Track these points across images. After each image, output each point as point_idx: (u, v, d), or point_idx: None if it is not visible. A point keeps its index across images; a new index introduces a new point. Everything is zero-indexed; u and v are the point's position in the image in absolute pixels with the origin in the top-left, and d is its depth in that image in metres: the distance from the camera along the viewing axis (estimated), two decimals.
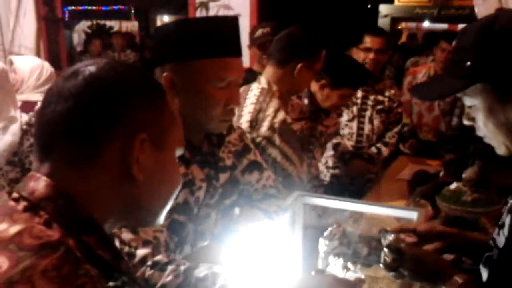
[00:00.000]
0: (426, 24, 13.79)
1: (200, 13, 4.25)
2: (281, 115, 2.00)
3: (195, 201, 1.39)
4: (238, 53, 1.36)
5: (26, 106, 2.78)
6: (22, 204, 0.73)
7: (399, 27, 14.35)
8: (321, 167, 3.14)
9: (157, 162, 0.82)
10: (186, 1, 4.43)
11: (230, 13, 4.23)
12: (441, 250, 1.44)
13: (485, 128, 1.15)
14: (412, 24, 14.57)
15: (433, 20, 13.29)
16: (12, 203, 0.74)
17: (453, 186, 2.63)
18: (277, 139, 1.83)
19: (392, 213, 1.70)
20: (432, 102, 3.83)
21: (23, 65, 2.95)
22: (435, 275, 1.27)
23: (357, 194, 3.11)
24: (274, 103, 2.00)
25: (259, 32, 3.78)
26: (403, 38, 13.13)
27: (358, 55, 3.19)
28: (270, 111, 1.96)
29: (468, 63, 1.11)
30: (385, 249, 1.28)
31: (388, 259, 1.27)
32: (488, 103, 1.12)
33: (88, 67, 0.80)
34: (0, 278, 0.64)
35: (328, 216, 2.23)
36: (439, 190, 2.64)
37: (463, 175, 2.64)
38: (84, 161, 0.76)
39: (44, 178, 0.76)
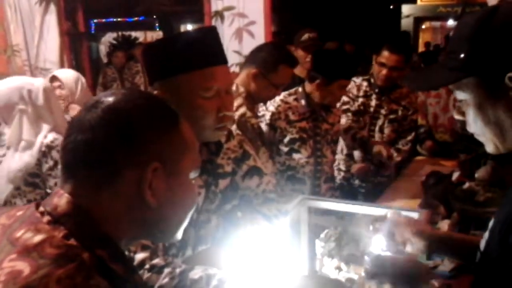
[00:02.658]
0: (451, 22, 13.59)
1: (215, 22, 4.31)
2: (241, 110, 2.26)
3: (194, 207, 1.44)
4: (220, 61, 1.40)
5: None
6: (46, 218, 0.81)
7: (423, 26, 14.20)
8: (335, 168, 3.17)
9: (170, 187, 0.88)
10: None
11: (245, 21, 4.29)
12: (428, 252, 1.43)
13: (474, 124, 1.10)
14: (436, 23, 14.39)
15: (457, 18, 13.10)
16: (38, 214, 0.82)
17: (466, 186, 2.63)
18: (234, 129, 1.89)
19: None
20: (447, 103, 3.81)
21: (68, 79, 3.07)
22: (414, 281, 1.27)
23: (370, 195, 3.13)
24: (238, 101, 2.25)
25: (306, 36, 4.00)
26: (429, 39, 13.03)
27: (375, 65, 3.22)
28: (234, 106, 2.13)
29: (462, 55, 1.06)
30: (366, 257, 1.29)
31: (368, 266, 1.28)
32: (478, 98, 1.07)
33: (107, 98, 0.86)
34: (21, 281, 0.71)
35: (339, 219, 2.26)
36: (452, 190, 2.64)
37: (476, 175, 2.64)
38: (101, 186, 0.83)
39: (66, 195, 0.83)
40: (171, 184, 0.87)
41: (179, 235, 0.96)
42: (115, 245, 0.83)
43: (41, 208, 0.83)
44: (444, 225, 2.33)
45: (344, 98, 3.31)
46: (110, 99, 0.86)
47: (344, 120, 3.24)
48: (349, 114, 3.30)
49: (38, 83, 2.42)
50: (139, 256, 1.25)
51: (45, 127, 2.42)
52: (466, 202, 2.52)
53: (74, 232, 0.79)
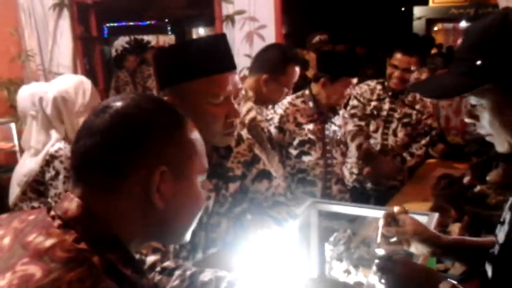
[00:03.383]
0: (463, 24, 13.50)
1: (226, 26, 4.33)
2: (251, 114, 2.27)
3: (205, 210, 1.46)
4: (228, 68, 1.41)
5: None
6: (57, 222, 0.83)
7: (435, 28, 14.12)
8: (346, 172, 3.17)
9: (177, 190, 0.90)
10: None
11: (256, 25, 4.30)
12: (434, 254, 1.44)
13: (490, 127, 1.12)
14: (449, 25, 14.29)
15: (470, 20, 13.00)
16: (49, 219, 0.83)
17: (477, 189, 2.62)
18: (244, 133, 1.90)
19: None
20: (459, 105, 3.80)
21: (68, 85, 3.04)
22: (423, 284, 1.28)
23: (382, 199, 3.12)
24: (247, 105, 2.27)
25: (317, 38, 4.03)
26: (441, 40, 12.93)
27: (388, 68, 3.23)
28: (243, 110, 2.21)
29: (479, 62, 1.07)
30: (376, 260, 1.30)
31: (378, 269, 1.28)
32: (496, 102, 1.09)
33: (115, 103, 0.89)
34: (33, 285, 0.73)
35: (350, 222, 2.27)
36: (464, 193, 2.63)
37: (487, 178, 2.63)
38: (110, 190, 0.85)
39: (76, 199, 0.85)
40: (178, 187, 0.89)
41: (187, 237, 0.97)
42: (124, 248, 0.85)
43: (52, 212, 0.85)
44: (455, 228, 2.32)
45: (354, 102, 3.32)
46: (118, 103, 0.88)
47: (350, 126, 3.24)
48: (356, 119, 3.30)
49: (51, 92, 2.44)
50: (150, 258, 1.26)
51: (54, 136, 2.44)
52: (477, 205, 2.51)
53: (84, 236, 0.81)
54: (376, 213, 1.78)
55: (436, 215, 1.64)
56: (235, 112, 1.41)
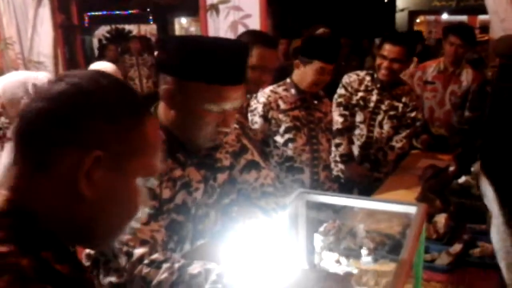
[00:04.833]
0: (445, 16, 13.60)
1: (210, 16, 4.29)
2: None
3: (193, 202, 1.44)
4: (238, 81, 1.36)
5: None
6: None
7: (418, 20, 14.20)
8: (331, 160, 3.18)
9: (109, 183, 0.81)
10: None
11: (241, 14, 4.26)
12: None
13: None
14: (431, 17, 14.39)
15: (452, 12, 13.11)
16: None
17: (462, 179, 2.64)
18: None
19: (392, 208, 1.72)
20: (443, 97, 3.81)
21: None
22: None
23: (367, 190, 3.14)
24: None
25: (321, 30, 4.02)
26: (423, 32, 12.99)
27: (377, 60, 3.24)
28: None
29: None
30: None
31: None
32: None
33: (76, 73, 0.83)
34: None
35: (336, 213, 2.26)
36: (449, 184, 2.65)
37: (472, 169, 2.64)
38: (42, 168, 0.77)
39: (3, 192, 0.77)
40: (111, 179, 0.81)
41: (111, 243, 0.90)
42: (59, 243, 0.78)
43: None
44: (440, 219, 2.33)
45: (341, 91, 3.34)
46: (78, 74, 0.83)
47: (335, 115, 3.26)
48: (341, 108, 3.31)
49: (42, 76, 2.40)
50: (138, 251, 1.23)
51: None
52: (462, 196, 2.53)
53: (12, 234, 0.73)
54: (365, 204, 1.78)
55: (424, 206, 1.63)
56: (227, 124, 1.38)
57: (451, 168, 2.87)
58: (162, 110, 1.41)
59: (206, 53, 1.29)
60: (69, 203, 0.79)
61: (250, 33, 2.44)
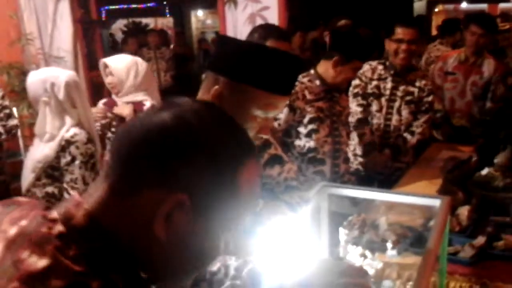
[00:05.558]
0: (464, 5, 13.40)
1: (228, 9, 4.29)
2: None
3: None
4: (289, 92, 1.40)
5: (137, 106, 2.85)
6: (58, 229, 0.73)
7: (436, 10, 14.00)
8: (349, 154, 3.18)
9: (189, 231, 0.76)
10: None
11: (258, 6, 4.26)
12: None
13: None
14: (450, 6, 14.18)
15: (472, 1, 12.90)
16: (45, 229, 0.72)
17: (485, 171, 2.61)
18: None
19: (415, 201, 1.71)
20: (464, 87, 3.77)
21: (119, 66, 2.95)
22: None
23: (387, 182, 3.13)
24: None
25: (342, 22, 4.02)
26: (440, 22, 12.80)
27: (391, 46, 3.22)
28: None
29: None
30: None
31: None
32: None
33: (180, 103, 0.79)
34: None
35: (356, 206, 2.26)
36: (471, 176, 2.62)
37: (495, 160, 2.62)
38: (128, 195, 0.75)
39: (85, 206, 0.75)
40: (191, 226, 0.75)
41: (176, 281, 0.87)
42: (132, 268, 0.76)
43: (54, 215, 0.75)
44: (463, 211, 2.32)
45: (356, 81, 3.34)
46: (184, 104, 0.78)
47: (353, 106, 3.27)
48: (359, 98, 3.32)
49: (63, 77, 2.42)
50: None
51: (68, 121, 2.43)
52: (485, 188, 2.51)
53: (86, 252, 0.71)
54: (388, 197, 1.77)
55: (448, 199, 1.62)
56: (266, 131, 1.41)
57: (473, 160, 2.85)
58: None
59: (267, 61, 1.31)
60: (140, 235, 0.76)
61: (263, 27, 2.45)
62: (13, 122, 3.58)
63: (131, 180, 0.75)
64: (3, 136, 3.52)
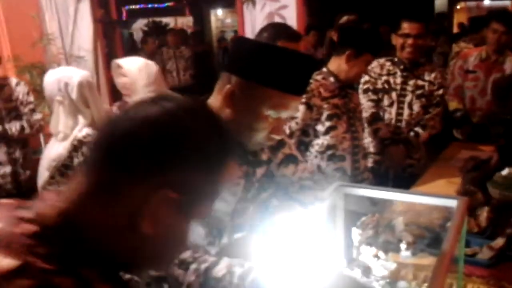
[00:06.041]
0: (487, 2, 13.19)
1: (247, 8, 4.30)
2: None
3: (233, 197, 1.45)
4: (302, 92, 1.40)
5: None
6: (31, 228, 0.73)
7: (458, 7, 13.82)
8: None
9: (172, 223, 0.78)
10: None
11: (277, 5, 4.26)
12: None
13: None
14: (472, 3, 13.98)
15: None
16: (18, 229, 0.72)
17: (505, 172, 2.57)
18: None
19: (431, 201, 1.69)
20: (485, 86, 3.71)
21: (132, 67, 2.92)
22: None
23: (400, 180, 3.11)
24: None
25: (344, 18, 3.99)
26: (463, 19, 12.65)
27: (397, 41, 3.23)
28: None
29: None
30: None
31: None
32: None
33: (172, 99, 0.79)
34: None
35: (373, 205, 2.24)
36: (491, 176, 2.58)
37: None
38: (106, 191, 0.75)
39: (61, 204, 0.75)
40: (174, 220, 0.77)
41: (150, 272, 0.90)
42: (106, 262, 0.76)
43: (27, 215, 0.75)
44: (482, 212, 2.28)
45: (365, 78, 3.35)
46: (176, 100, 0.78)
47: (365, 102, 3.27)
48: (370, 93, 3.31)
49: (76, 77, 2.45)
50: None
51: (82, 121, 2.46)
52: (505, 189, 2.47)
53: (60, 250, 0.71)
54: (405, 197, 1.75)
55: (466, 199, 1.60)
56: (279, 131, 1.41)
57: (493, 160, 2.81)
58: (214, 106, 1.40)
59: (280, 60, 1.31)
60: (123, 230, 0.76)
61: (274, 27, 2.44)
62: (37, 116, 3.63)
63: (117, 175, 0.75)
64: (27, 131, 3.56)
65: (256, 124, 1.35)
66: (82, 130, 2.44)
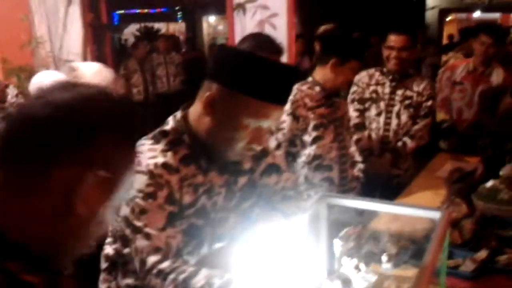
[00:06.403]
0: (477, 14, 13.32)
1: (237, 15, 4.29)
2: None
3: (213, 206, 1.44)
4: (283, 102, 1.38)
5: None
6: None
7: (449, 18, 13.95)
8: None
9: (104, 203, 0.80)
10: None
11: (267, 13, 4.26)
12: None
13: None
14: (462, 15, 14.11)
15: (485, 9, 12.82)
16: None
17: (490, 184, 2.57)
18: None
19: (414, 213, 1.69)
20: (472, 98, 3.74)
21: (87, 71, 2.92)
22: None
23: (387, 190, 3.12)
24: None
25: (321, 28, 4.00)
26: (453, 31, 12.75)
27: (385, 53, 3.26)
28: None
29: None
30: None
31: None
32: None
33: (83, 85, 0.81)
34: None
35: (358, 216, 2.24)
36: (476, 188, 2.59)
37: (500, 173, 2.58)
38: (27, 184, 0.75)
39: None
40: (102, 200, 0.80)
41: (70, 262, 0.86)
42: (31, 253, 0.75)
43: None
44: (467, 224, 2.28)
45: (353, 88, 3.37)
46: (88, 85, 0.82)
47: (351, 111, 3.27)
48: (356, 103, 3.34)
49: (47, 81, 2.45)
50: (151, 259, 1.25)
51: None
52: (489, 201, 2.47)
53: None
54: (387, 208, 1.75)
55: (448, 211, 1.60)
56: (260, 142, 1.39)
57: (478, 171, 2.82)
58: (195, 114, 1.40)
59: (260, 69, 1.30)
60: (56, 215, 0.77)
61: (255, 38, 2.41)
62: None
63: (38, 161, 0.75)
64: None
65: (236, 133, 1.34)
66: None
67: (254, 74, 1.29)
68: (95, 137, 0.77)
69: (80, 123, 0.76)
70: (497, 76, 3.69)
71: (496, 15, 12.31)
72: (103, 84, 2.97)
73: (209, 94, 1.33)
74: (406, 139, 3.27)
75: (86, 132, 0.76)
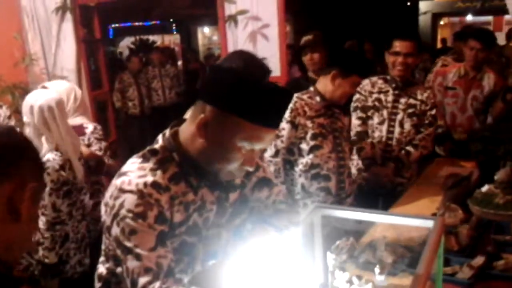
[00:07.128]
0: (470, 18, 13.40)
1: (229, 26, 4.30)
2: None
3: (204, 223, 1.43)
4: (276, 126, 1.37)
5: (78, 131, 2.88)
6: None
7: (441, 23, 14.02)
8: (353, 169, 3.16)
9: (35, 211, 1.03)
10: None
11: (259, 24, 4.27)
12: None
13: None
14: (455, 19, 14.20)
15: (477, 13, 12.90)
16: None
17: (485, 188, 2.57)
18: None
19: (409, 222, 1.69)
20: (465, 102, 3.75)
21: (60, 89, 2.98)
22: None
23: (389, 198, 3.11)
24: None
25: (304, 39, 4.02)
26: (446, 35, 12.82)
27: (389, 59, 3.23)
28: None
29: None
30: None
31: None
32: None
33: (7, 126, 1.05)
34: None
35: (358, 223, 2.23)
36: (471, 193, 2.59)
37: (495, 177, 2.58)
38: None
39: None
40: (36, 207, 1.05)
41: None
42: None
43: None
44: (463, 230, 2.28)
45: (356, 96, 3.35)
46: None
47: (353, 119, 3.27)
48: (358, 111, 3.32)
49: (41, 100, 2.48)
50: (142, 280, 1.24)
51: (45, 146, 2.49)
52: (485, 206, 2.47)
53: None
54: (381, 218, 1.75)
55: (442, 219, 1.60)
56: (251, 163, 1.38)
57: (474, 176, 2.82)
58: (187, 133, 1.38)
59: (255, 93, 1.28)
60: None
61: (241, 56, 2.37)
62: None
63: None
64: None
65: (229, 155, 1.34)
66: (45, 156, 2.46)
67: (249, 97, 1.27)
68: (19, 158, 0.98)
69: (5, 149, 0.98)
70: (488, 80, 3.70)
71: (488, 18, 12.36)
72: (75, 102, 3.02)
73: (203, 117, 1.32)
74: (410, 148, 3.24)
75: (13, 155, 0.98)
